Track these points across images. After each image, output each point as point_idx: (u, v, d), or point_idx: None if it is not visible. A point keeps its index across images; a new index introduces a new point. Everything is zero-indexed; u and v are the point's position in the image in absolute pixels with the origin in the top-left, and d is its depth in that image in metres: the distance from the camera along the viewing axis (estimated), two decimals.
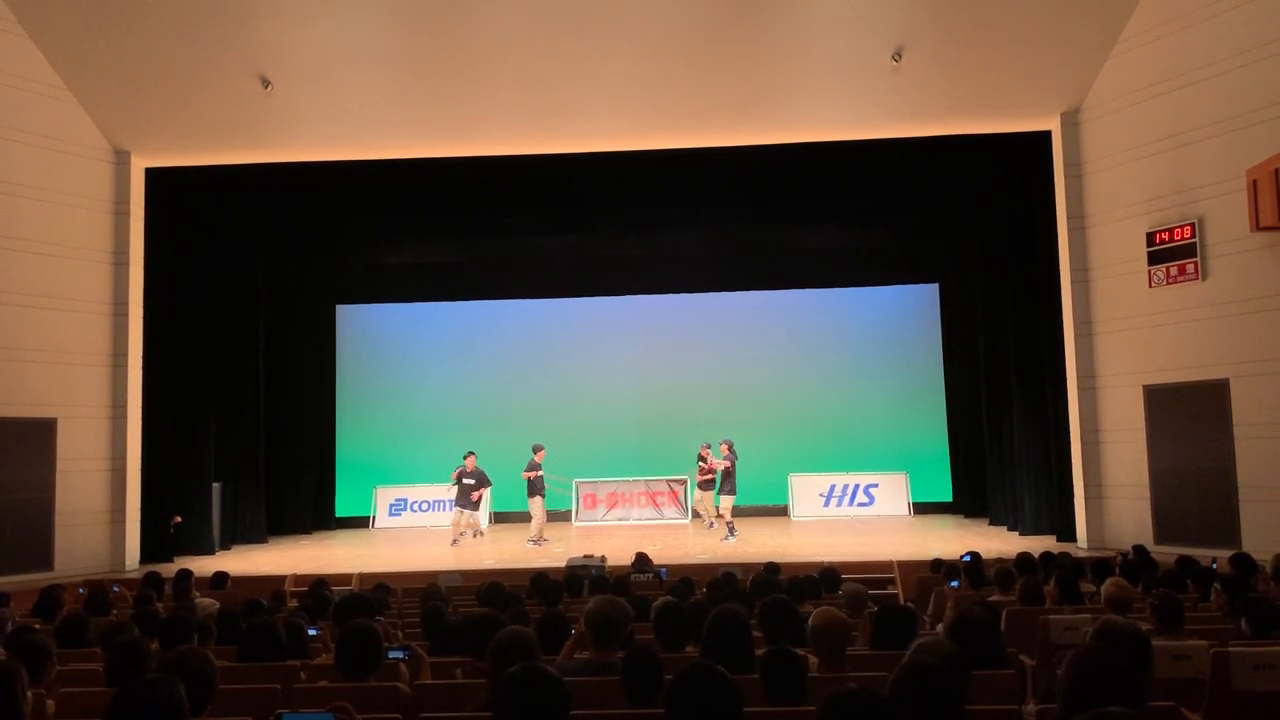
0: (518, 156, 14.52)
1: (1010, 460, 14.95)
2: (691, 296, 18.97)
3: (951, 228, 17.16)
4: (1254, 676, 4.39)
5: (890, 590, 10.58)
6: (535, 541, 14.47)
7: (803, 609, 5.67)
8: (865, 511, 17.37)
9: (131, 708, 3.01)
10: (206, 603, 7.96)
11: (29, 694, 3.55)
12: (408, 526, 17.89)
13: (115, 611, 7.98)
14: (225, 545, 15.13)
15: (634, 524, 17.05)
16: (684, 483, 17.59)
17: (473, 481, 14.84)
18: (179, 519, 14.26)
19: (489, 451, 18.38)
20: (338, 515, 18.49)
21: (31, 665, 4.12)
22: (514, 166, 14.67)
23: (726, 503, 14.70)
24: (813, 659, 4.51)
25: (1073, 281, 13.31)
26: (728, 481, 14.75)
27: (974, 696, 3.68)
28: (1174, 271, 12.15)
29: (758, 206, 15.95)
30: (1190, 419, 12.07)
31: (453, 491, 15.20)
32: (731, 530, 14.52)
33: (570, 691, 3.06)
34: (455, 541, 14.79)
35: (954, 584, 8.34)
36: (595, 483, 17.82)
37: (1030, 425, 14.40)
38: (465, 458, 15.00)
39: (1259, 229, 11.04)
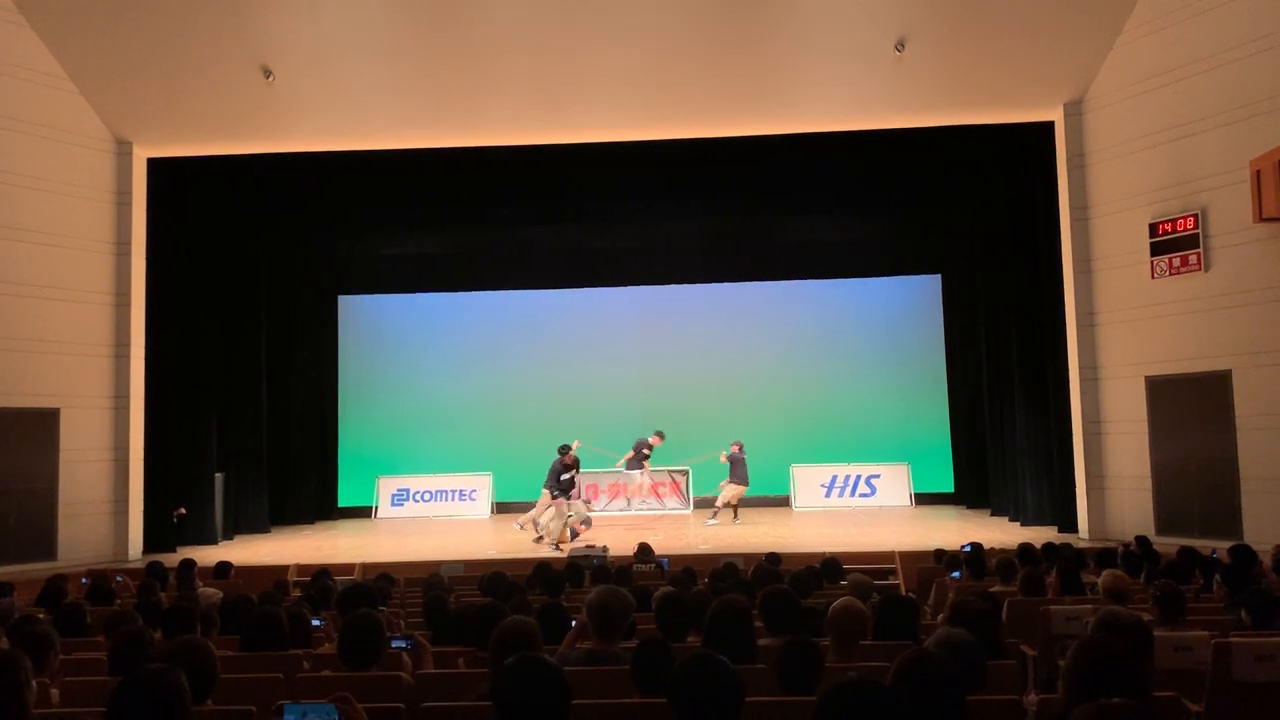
0: (519, 147, 14.49)
1: (1012, 451, 14.94)
2: (693, 287, 18.96)
3: (953, 219, 17.12)
4: (1255, 667, 4.39)
5: (891, 581, 10.58)
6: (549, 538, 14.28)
7: (805, 602, 5.68)
8: (867, 502, 17.39)
9: (134, 697, 3.02)
10: (209, 592, 7.98)
11: (34, 683, 3.56)
12: (410, 517, 17.92)
13: (118, 601, 8.00)
14: (228, 535, 15.16)
15: (635, 514, 17.07)
16: (686, 473, 17.62)
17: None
18: (182, 511, 14.27)
19: (490, 440, 18.50)
20: (340, 505, 18.55)
21: (35, 654, 4.13)
22: (515, 157, 14.63)
23: (731, 492, 15.12)
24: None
25: (1075, 272, 13.29)
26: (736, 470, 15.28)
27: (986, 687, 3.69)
28: (1177, 262, 12.13)
29: (759, 197, 15.92)
30: (1192, 410, 12.06)
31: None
32: (715, 515, 15.20)
33: (570, 682, 3.07)
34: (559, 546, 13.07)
35: (955, 574, 8.35)
36: (597, 473, 17.83)
37: (1032, 416, 14.39)
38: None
39: (1262, 220, 11.01)
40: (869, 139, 14.23)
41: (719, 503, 15.28)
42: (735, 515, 15.41)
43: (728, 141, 14.31)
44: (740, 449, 15.52)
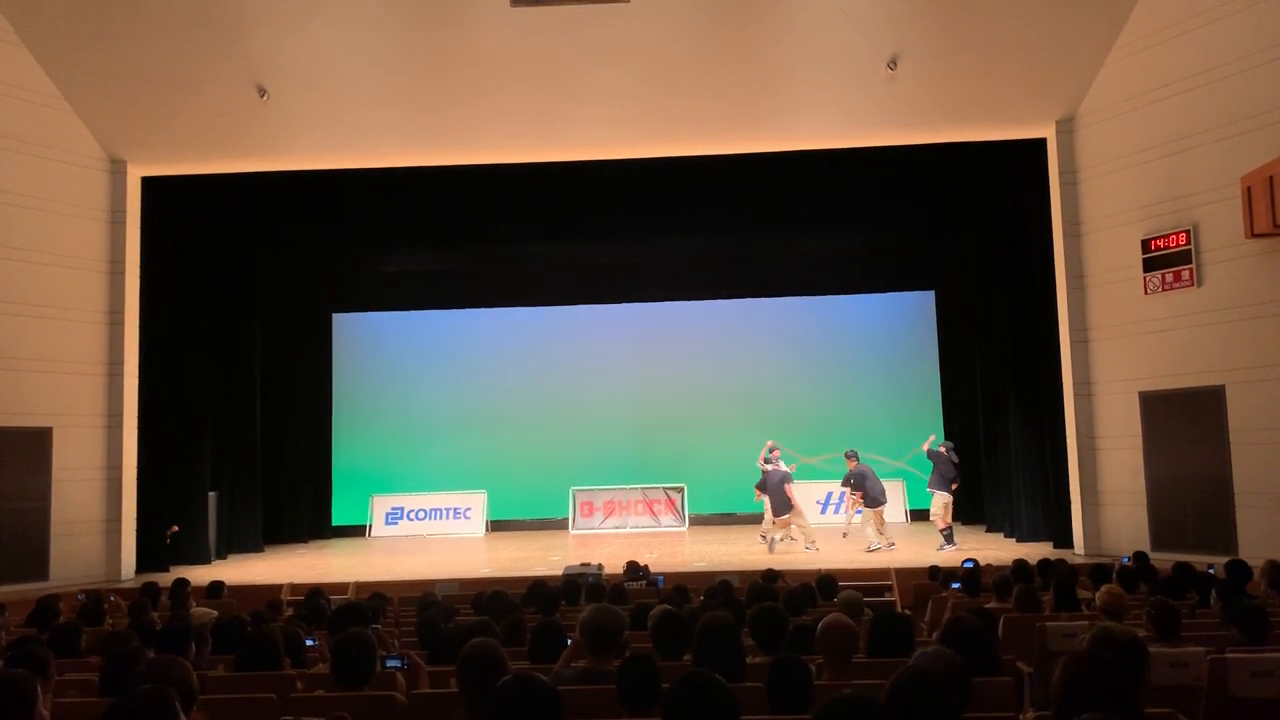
0: (515, 164, 14.52)
1: (1007, 467, 14.95)
2: (688, 304, 18.98)
3: (947, 235, 17.20)
4: (1252, 683, 4.39)
5: (888, 598, 10.57)
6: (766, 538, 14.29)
7: (798, 619, 5.66)
8: (862, 518, 17.33)
9: (127, 717, 3.00)
10: (202, 611, 7.92)
11: (44, 711, 3.54)
12: (404, 535, 17.87)
13: (111, 621, 7.96)
14: (221, 554, 15.08)
15: (631, 532, 17.04)
16: (681, 491, 17.59)
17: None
18: (175, 529, 14.22)
19: (485, 459, 18.46)
20: (334, 524, 18.47)
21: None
22: (511, 174, 14.67)
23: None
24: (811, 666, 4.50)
25: (1068, 288, 13.33)
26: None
27: (974, 704, 3.68)
28: (1169, 278, 12.17)
29: (754, 214, 15.98)
30: (1186, 425, 12.07)
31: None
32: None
33: (564, 700, 3.06)
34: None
35: (955, 585, 8.35)
36: (592, 490, 17.82)
37: (1026, 432, 14.40)
38: (850, 458, 14.17)
39: (1253, 236, 11.06)
40: (863, 156, 14.28)
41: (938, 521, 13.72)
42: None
43: (723, 159, 14.36)
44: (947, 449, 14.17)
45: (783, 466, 14.23)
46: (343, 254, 17.87)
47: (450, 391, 19.04)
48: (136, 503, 13.78)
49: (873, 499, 13.79)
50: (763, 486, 14.51)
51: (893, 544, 13.56)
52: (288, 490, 17.58)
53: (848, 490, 15.49)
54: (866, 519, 13.89)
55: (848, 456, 14.62)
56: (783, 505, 13.74)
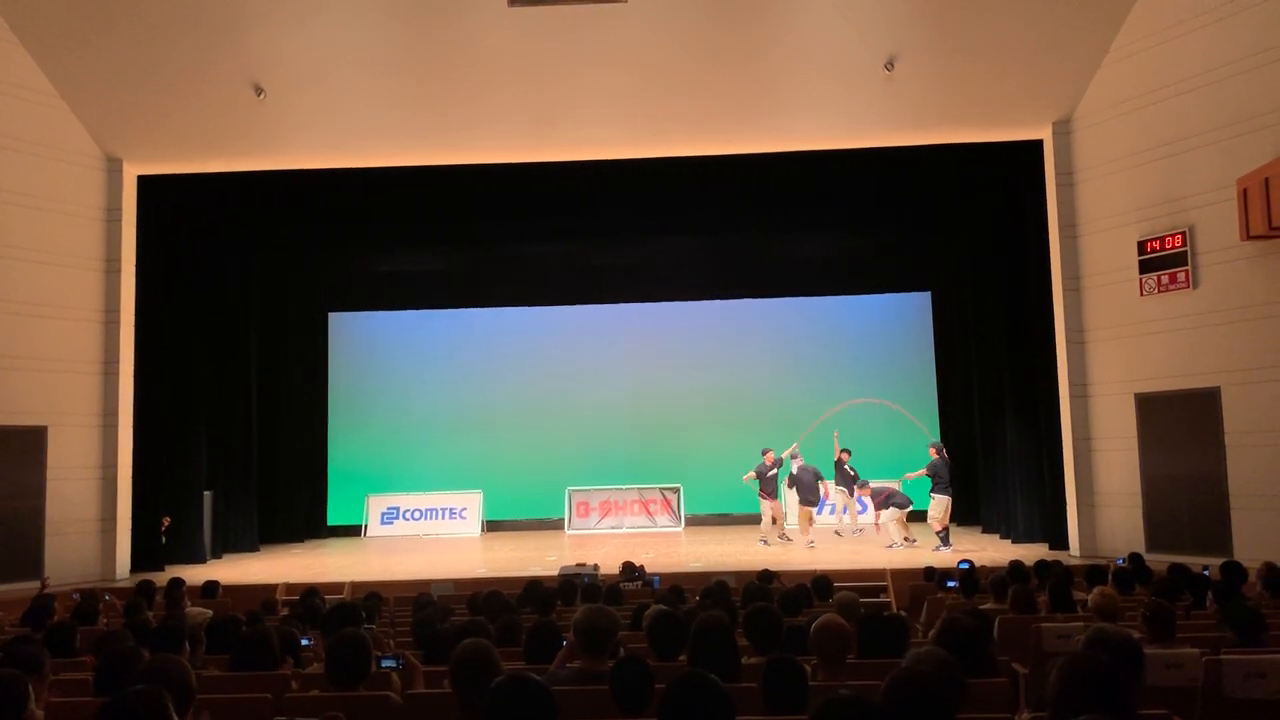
0: (511, 164, 14.51)
1: (1003, 468, 14.96)
2: (684, 305, 18.98)
3: (943, 236, 17.22)
4: (1246, 684, 4.40)
5: (883, 599, 10.57)
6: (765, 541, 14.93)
7: (794, 620, 5.67)
8: (858, 520, 17.33)
9: (120, 717, 2.99)
10: (197, 611, 7.93)
11: (38, 711, 3.54)
12: (400, 535, 17.85)
13: (105, 620, 7.95)
14: (216, 554, 15.06)
15: (627, 532, 17.04)
16: (677, 491, 17.60)
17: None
18: (168, 520, 14.21)
19: (481, 459, 18.45)
20: (329, 524, 18.44)
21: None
22: (507, 174, 14.66)
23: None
24: (806, 667, 4.50)
25: (1064, 290, 13.34)
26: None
27: (968, 705, 3.68)
28: (1165, 280, 12.19)
29: (750, 215, 15.99)
30: (1182, 427, 12.09)
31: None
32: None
33: (559, 700, 3.06)
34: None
35: (951, 585, 8.36)
36: (588, 491, 17.81)
37: (1022, 433, 14.41)
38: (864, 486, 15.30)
39: (1249, 238, 11.08)
40: (860, 157, 14.29)
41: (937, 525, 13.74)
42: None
43: (721, 160, 14.36)
44: (938, 452, 14.17)
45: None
46: (339, 253, 17.85)
47: (446, 391, 19.02)
48: (131, 502, 13.76)
49: (903, 503, 14.34)
50: (792, 482, 15.19)
51: (914, 540, 13.97)
52: (283, 490, 17.56)
53: (843, 490, 15.72)
54: (892, 519, 14.29)
55: (860, 486, 15.47)
56: (815, 499, 14.81)
